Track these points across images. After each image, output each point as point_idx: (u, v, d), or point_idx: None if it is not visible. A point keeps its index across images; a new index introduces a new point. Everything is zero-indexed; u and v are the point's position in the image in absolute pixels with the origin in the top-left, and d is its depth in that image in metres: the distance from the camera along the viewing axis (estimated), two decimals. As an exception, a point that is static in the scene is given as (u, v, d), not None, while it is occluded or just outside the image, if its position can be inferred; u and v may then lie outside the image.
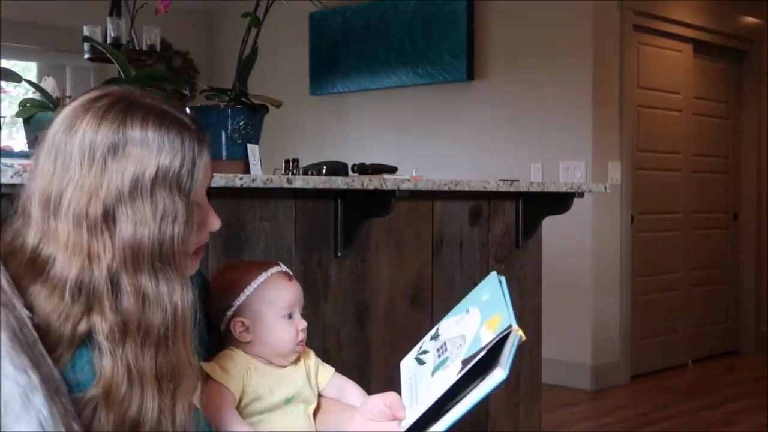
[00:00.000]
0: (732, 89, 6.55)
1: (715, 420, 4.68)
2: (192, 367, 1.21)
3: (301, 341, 1.50)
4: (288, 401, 1.45)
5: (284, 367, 1.49)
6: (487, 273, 3.15)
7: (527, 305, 3.25)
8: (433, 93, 6.04)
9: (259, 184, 2.25)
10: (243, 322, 1.47)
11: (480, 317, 1.34)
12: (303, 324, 1.50)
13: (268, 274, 1.49)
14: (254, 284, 1.48)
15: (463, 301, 1.46)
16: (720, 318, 6.46)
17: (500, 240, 3.14)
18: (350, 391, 1.54)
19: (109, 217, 1.14)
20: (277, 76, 6.45)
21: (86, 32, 4.01)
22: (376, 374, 2.72)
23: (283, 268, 1.53)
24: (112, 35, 4.05)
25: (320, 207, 2.59)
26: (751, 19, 6.50)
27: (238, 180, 2.20)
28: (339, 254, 2.62)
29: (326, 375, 1.55)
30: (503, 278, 1.42)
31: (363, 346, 2.71)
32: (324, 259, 2.60)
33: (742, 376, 5.83)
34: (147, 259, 1.15)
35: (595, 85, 5.32)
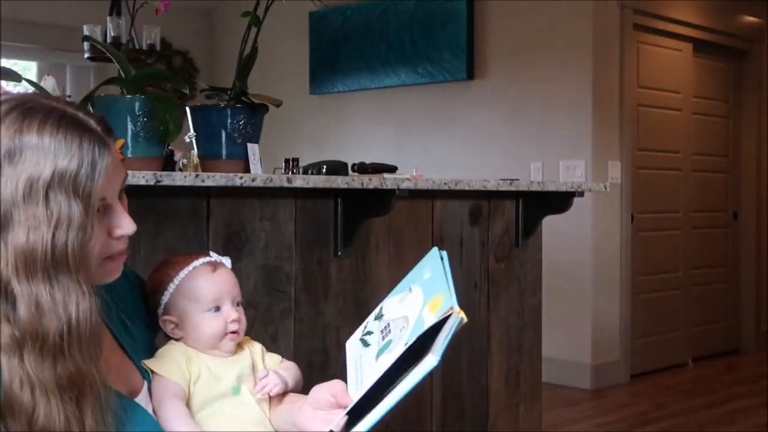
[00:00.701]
0: (732, 88, 6.55)
1: (715, 419, 4.68)
2: (97, 373, 1.17)
3: (233, 332, 1.44)
4: (235, 391, 1.42)
5: (225, 357, 1.46)
6: (488, 272, 3.17)
7: (527, 304, 3.25)
8: (433, 92, 6.04)
9: (259, 183, 2.25)
10: (171, 320, 1.45)
11: (422, 297, 1.31)
12: (233, 315, 1.45)
13: (190, 269, 1.45)
14: (176, 280, 1.45)
15: (406, 278, 1.42)
16: (720, 317, 6.46)
17: (500, 239, 3.14)
18: (291, 376, 1.49)
19: (1, 223, 1.11)
20: (277, 75, 6.45)
21: (86, 31, 4.01)
22: (376, 373, 2.72)
23: (210, 258, 1.48)
24: (112, 34, 4.05)
25: (320, 206, 2.59)
26: (751, 19, 6.50)
27: (238, 179, 2.20)
28: (339, 253, 2.62)
29: (272, 363, 1.51)
30: (445, 253, 1.36)
31: (363, 345, 2.71)
32: (324, 258, 2.60)
33: (742, 375, 5.83)
34: (40, 266, 1.11)
35: (595, 84, 5.32)
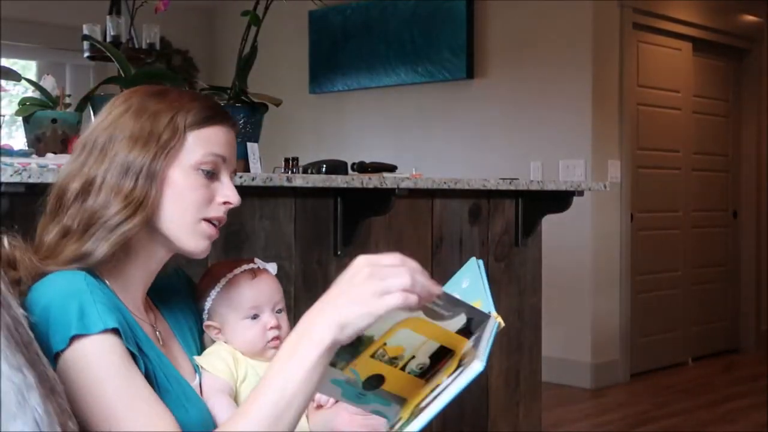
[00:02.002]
0: (732, 87, 6.55)
1: (715, 418, 4.68)
2: None
3: (274, 339, 1.45)
4: None
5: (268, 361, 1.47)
6: (488, 272, 3.16)
7: (527, 303, 3.25)
8: (432, 91, 6.04)
9: (258, 182, 2.25)
10: (214, 325, 1.46)
11: None
12: (272, 322, 1.45)
13: (231, 276, 1.46)
14: (217, 287, 1.46)
15: (445, 288, 1.42)
16: (720, 316, 6.46)
17: (500, 238, 3.14)
18: None
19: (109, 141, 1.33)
20: (277, 74, 6.45)
21: (86, 30, 4.00)
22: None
23: (252, 265, 1.49)
24: (112, 34, 4.05)
25: (320, 205, 2.59)
26: (751, 18, 6.50)
27: (237, 178, 2.19)
28: (339, 253, 2.62)
29: None
30: (481, 262, 1.38)
31: (363, 344, 2.71)
32: (324, 257, 2.60)
33: (742, 375, 5.83)
34: (132, 176, 1.31)
35: (594, 84, 5.32)
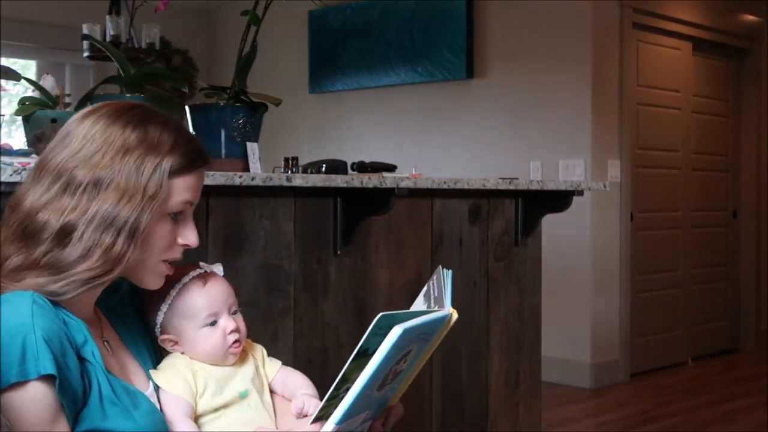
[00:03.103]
0: (732, 87, 6.55)
1: (715, 418, 4.68)
2: None
3: (234, 343, 1.43)
4: (243, 395, 1.42)
5: (229, 365, 1.45)
6: (487, 271, 3.17)
7: (527, 303, 3.25)
8: (432, 91, 6.04)
9: (258, 182, 2.25)
10: (170, 338, 1.44)
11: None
12: (231, 326, 1.43)
13: (180, 286, 1.43)
14: (168, 300, 1.43)
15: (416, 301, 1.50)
16: (719, 316, 6.46)
17: (500, 238, 3.14)
18: (292, 380, 1.50)
19: (101, 184, 1.31)
20: (277, 74, 6.45)
21: (85, 30, 4.00)
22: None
23: (200, 270, 1.46)
24: (112, 33, 4.04)
25: (319, 205, 2.58)
26: (750, 18, 6.50)
27: (237, 178, 2.20)
28: (338, 252, 2.62)
29: (273, 369, 1.50)
30: (449, 272, 1.43)
31: (362, 344, 2.71)
32: (323, 257, 2.60)
33: (742, 374, 5.83)
34: (114, 227, 1.30)
35: (594, 83, 5.32)
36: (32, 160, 1.96)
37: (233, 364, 1.45)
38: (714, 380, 5.63)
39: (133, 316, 1.47)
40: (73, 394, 1.22)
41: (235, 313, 1.46)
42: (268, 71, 5.67)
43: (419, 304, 1.47)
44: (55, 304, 1.26)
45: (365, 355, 1.27)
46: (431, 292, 1.46)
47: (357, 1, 6.39)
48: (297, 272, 2.52)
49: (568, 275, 5.32)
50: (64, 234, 1.27)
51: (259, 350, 1.52)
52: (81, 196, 1.29)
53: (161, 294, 1.43)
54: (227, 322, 1.43)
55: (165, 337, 1.44)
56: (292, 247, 2.51)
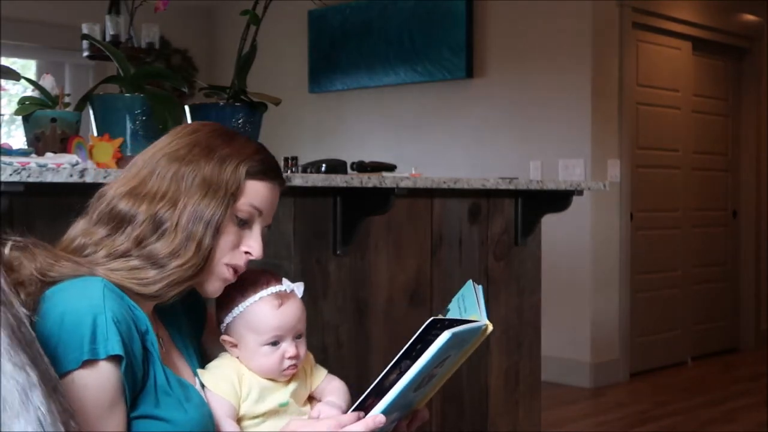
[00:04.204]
0: (731, 87, 6.55)
1: (714, 417, 4.68)
2: None
3: (289, 368, 1.44)
4: (283, 405, 1.43)
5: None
6: (487, 271, 3.16)
7: (526, 303, 3.25)
8: (432, 91, 6.04)
9: (258, 181, 2.24)
10: (231, 341, 1.45)
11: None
12: (291, 351, 1.44)
13: (256, 298, 1.43)
14: (241, 306, 1.44)
15: (450, 306, 1.51)
16: (719, 315, 6.46)
17: (499, 238, 3.14)
18: (331, 388, 1.53)
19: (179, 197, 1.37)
20: (277, 73, 6.45)
21: (85, 30, 4.00)
22: (375, 372, 2.71)
23: (280, 287, 1.46)
24: (111, 33, 4.04)
25: (319, 205, 2.58)
26: (750, 17, 6.50)
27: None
28: (338, 252, 2.62)
29: (319, 378, 1.53)
30: (480, 287, 1.47)
31: (362, 343, 2.71)
32: (323, 257, 2.60)
33: (742, 374, 5.83)
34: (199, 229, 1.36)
35: (594, 83, 5.32)
36: (32, 160, 1.96)
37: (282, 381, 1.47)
38: (714, 380, 5.63)
39: (183, 318, 1.50)
40: (134, 378, 1.26)
41: (299, 337, 1.47)
42: (267, 71, 5.67)
43: (454, 313, 1.49)
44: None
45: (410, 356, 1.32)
46: (460, 304, 1.48)
47: (357, 0, 6.39)
48: (296, 272, 2.52)
49: (567, 275, 5.32)
50: (158, 224, 1.33)
51: (309, 359, 1.53)
52: (168, 186, 1.35)
53: (236, 298, 1.44)
54: (289, 347, 1.44)
55: (227, 338, 1.46)
56: (291, 246, 2.51)
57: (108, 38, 4.04)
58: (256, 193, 1.39)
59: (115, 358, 1.22)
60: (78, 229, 1.36)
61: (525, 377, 3.25)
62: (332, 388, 1.52)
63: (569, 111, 5.38)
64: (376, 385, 1.34)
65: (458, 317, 1.45)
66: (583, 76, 5.33)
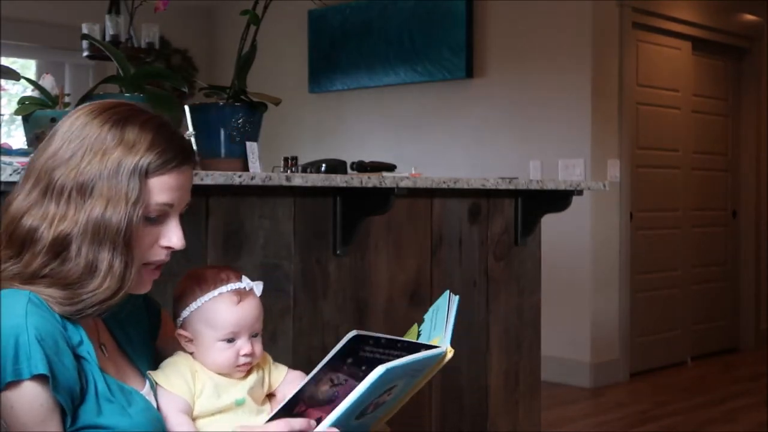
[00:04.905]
0: (731, 87, 6.55)
1: (714, 417, 4.68)
2: None
3: (243, 365, 1.43)
4: (239, 403, 1.43)
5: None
6: (487, 271, 3.16)
7: (526, 303, 3.25)
8: (432, 91, 6.04)
9: (257, 181, 2.25)
10: (186, 336, 1.45)
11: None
12: (246, 348, 1.43)
13: (215, 294, 1.43)
14: (199, 301, 1.43)
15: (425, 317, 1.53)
16: (719, 315, 6.46)
17: (499, 238, 3.14)
18: (286, 383, 1.52)
19: (86, 192, 1.28)
20: (276, 73, 6.45)
21: (85, 30, 4.00)
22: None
23: (239, 285, 1.45)
24: (111, 33, 4.04)
25: (319, 205, 2.58)
26: (750, 17, 6.50)
27: (236, 178, 2.19)
28: (338, 252, 2.62)
29: (279, 375, 1.51)
30: (457, 298, 1.46)
31: (362, 343, 2.71)
32: (323, 257, 2.60)
33: (742, 374, 5.83)
34: (109, 237, 1.27)
35: (594, 83, 5.32)
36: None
37: (236, 378, 1.46)
38: (713, 380, 5.63)
39: (134, 320, 1.48)
40: (69, 391, 1.22)
41: (255, 336, 1.46)
42: (267, 71, 5.67)
43: (426, 327, 1.48)
44: None
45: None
46: (432, 318, 1.47)
47: (357, 0, 6.39)
48: (296, 272, 2.52)
49: (567, 275, 5.32)
50: (60, 247, 1.26)
51: (267, 359, 1.52)
52: (67, 203, 1.27)
53: (195, 292, 1.44)
54: (244, 344, 1.43)
55: (182, 332, 1.45)
56: (291, 246, 2.51)
57: (108, 38, 4.04)
58: (161, 188, 1.30)
59: (40, 377, 1.19)
60: None
61: (525, 377, 3.25)
62: (295, 377, 1.51)
63: (569, 111, 5.38)
64: (299, 391, 1.34)
65: (425, 339, 1.45)
66: (583, 76, 5.32)
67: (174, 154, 1.31)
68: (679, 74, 6.04)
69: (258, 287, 1.47)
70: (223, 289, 1.44)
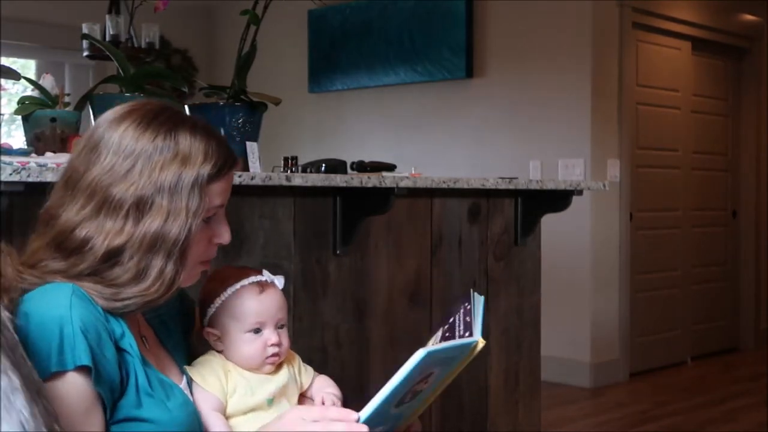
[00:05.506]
0: (731, 87, 6.55)
1: (714, 417, 4.68)
2: None
3: (272, 356, 1.45)
4: (270, 402, 1.44)
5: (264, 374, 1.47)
6: (487, 271, 3.17)
7: (526, 303, 3.25)
8: (432, 91, 6.04)
9: (257, 181, 2.25)
10: (214, 333, 1.46)
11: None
12: (273, 339, 1.45)
13: (237, 287, 1.46)
14: (223, 296, 1.45)
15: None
16: (719, 315, 6.46)
17: (499, 238, 3.14)
18: (321, 383, 1.55)
19: (144, 207, 1.30)
20: (276, 73, 6.45)
21: (85, 30, 4.00)
22: (375, 372, 2.72)
23: (260, 278, 1.48)
24: (111, 33, 4.04)
25: (319, 205, 2.58)
26: (750, 17, 6.50)
27: (236, 177, 2.19)
28: (338, 252, 2.62)
29: (308, 377, 1.54)
30: (482, 298, 1.47)
31: (362, 343, 2.71)
32: (323, 256, 2.60)
33: (741, 374, 5.83)
34: (164, 247, 1.30)
35: (594, 83, 5.32)
36: (32, 160, 1.96)
37: (267, 373, 1.47)
38: (714, 380, 5.63)
39: (172, 315, 1.50)
40: (110, 384, 1.25)
41: (281, 327, 1.48)
42: (267, 71, 5.67)
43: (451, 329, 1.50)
44: None
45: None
46: (458, 320, 1.48)
47: (357, 0, 6.39)
48: (296, 272, 2.52)
49: (567, 275, 5.32)
50: (111, 256, 1.28)
51: (297, 360, 1.54)
52: (125, 218, 1.28)
53: (218, 290, 1.46)
54: (271, 334, 1.46)
55: (210, 330, 1.47)
56: (291, 246, 2.51)
57: (108, 38, 4.04)
58: (219, 192, 1.36)
59: (83, 369, 1.21)
60: (35, 246, 1.32)
61: (525, 377, 3.25)
62: (325, 382, 1.54)
63: (569, 111, 5.38)
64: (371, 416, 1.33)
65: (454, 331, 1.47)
66: (583, 76, 5.33)
67: (225, 159, 1.36)
68: (678, 74, 6.04)
69: (279, 281, 1.51)
70: (245, 281, 1.47)
